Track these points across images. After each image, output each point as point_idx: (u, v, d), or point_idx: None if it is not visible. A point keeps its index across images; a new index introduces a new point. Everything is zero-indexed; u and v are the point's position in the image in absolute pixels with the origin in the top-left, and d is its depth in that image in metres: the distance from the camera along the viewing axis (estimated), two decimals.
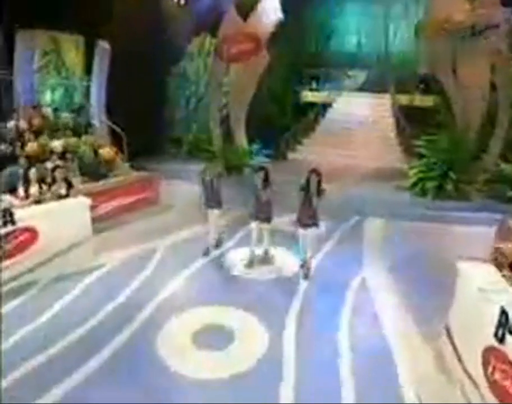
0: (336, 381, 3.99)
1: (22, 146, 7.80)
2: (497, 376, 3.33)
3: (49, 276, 5.86)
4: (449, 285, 4.42)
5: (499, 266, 4.28)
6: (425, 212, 8.66)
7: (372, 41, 16.07)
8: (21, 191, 6.28)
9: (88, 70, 11.32)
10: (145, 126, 11.93)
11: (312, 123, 15.16)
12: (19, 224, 5.92)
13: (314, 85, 16.01)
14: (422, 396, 3.80)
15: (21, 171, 6.61)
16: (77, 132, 9.54)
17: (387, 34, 15.31)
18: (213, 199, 6.60)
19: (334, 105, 15.58)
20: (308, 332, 4.75)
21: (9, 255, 5.78)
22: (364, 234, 7.94)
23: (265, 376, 4.04)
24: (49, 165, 7.66)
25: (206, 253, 6.70)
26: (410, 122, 12.73)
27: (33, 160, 7.58)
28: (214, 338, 4.64)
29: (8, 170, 6.79)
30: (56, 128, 9.31)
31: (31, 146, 7.64)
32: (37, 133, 8.74)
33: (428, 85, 13.37)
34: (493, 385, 3.39)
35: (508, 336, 3.23)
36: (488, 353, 3.48)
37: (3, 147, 7.29)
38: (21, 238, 6.00)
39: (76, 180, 7.80)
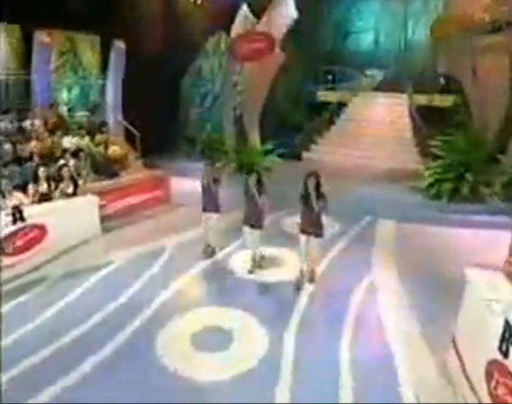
0: (335, 385, 3.92)
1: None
2: (500, 391, 3.18)
3: (56, 274, 5.96)
4: (460, 293, 4.27)
5: (510, 277, 4.09)
6: (439, 215, 8.42)
7: (390, 39, 15.76)
8: (30, 189, 6.40)
9: (104, 69, 11.49)
10: (160, 124, 12.04)
11: (327, 122, 14.96)
12: (29, 221, 6.03)
13: (330, 84, 15.80)
14: None
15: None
16: (91, 131, 9.70)
17: (405, 32, 14.97)
18: (209, 203, 6.45)
19: (350, 104, 15.34)
20: (309, 336, 4.67)
21: (19, 251, 5.90)
22: (374, 236, 7.76)
23: (263, 377, 4.00)
24: (62, 163, 7.83)
25: (209, 255, 6.65)
26: (428, 122, 12.39)
27: (46, 158, 7.77)
28: (214, 339, 4.61)
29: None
30: (70, 127, 9.49)
31: (37, 145, 7.76)
32: (51, 132, 8.95)
33: (447, 84, 13.01)
34: (495, 399, 3.24)
35: None
36: (492, 366, 3.32)
37: (7, 147, 7.42)
38: (30, 235, 6.12)
39: (87, 179, 7.94)
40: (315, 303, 5.38)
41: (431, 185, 9.34)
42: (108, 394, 3.76)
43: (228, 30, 12.47)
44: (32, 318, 4.85)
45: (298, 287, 5.65)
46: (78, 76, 11.04)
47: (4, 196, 6.17)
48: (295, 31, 11.59)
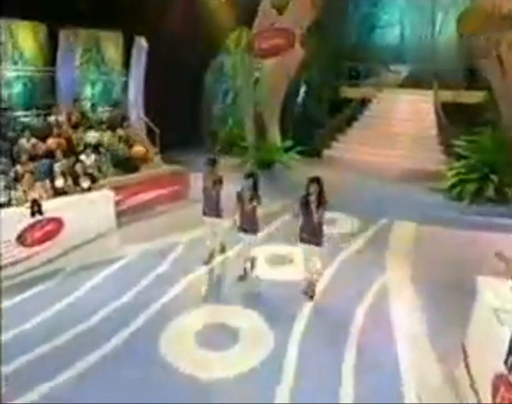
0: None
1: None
2: None
3: (69, 267, 6.09)
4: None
5: None
6: (460, 217, 8.13)
7: (416, 34, 15.23)
8: (47, 184, 6.60)
9: (126, 66, 11.67)
10: (182, 120, 12.16)
11: (349, 119, 14.59)
12: (46, 215, 6.22)
13: (353, 80, 15.44)
14: None
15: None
16: (112, 126, 9.89)
17: (432, 26, 14.44)
18: (209, 207, 6.02)
19: (374, 101, 14.89)
20: (316, 338, 4.62)
21: (36, 243, 6.11)
22: (391, 237, 7.56)
23: (265, 378, 4.00)
24: (83, 157, 8.03)
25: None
26: (454, 120, 11.92)
27: (68, 153, 7.97)
28: (218, 337, 4.62)
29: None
30: (92, 122, 9.72)
31: (60, 140, 7.96)
32: (74, 127, 9.19)
33: (476, 80, 12.47)
34: None
35: None
36: (499, 380, 3.17)
37: (32, 141, 7.65)
38: (48, 227, 6.31)
39: (107, 174, 8.11)
40: (323, 302, 5.33)
41: (454, 186, 9.03)
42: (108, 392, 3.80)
43: (251, 26, 12.42)
44: (40, 312, 4.91)
45: (306, 292, 5.49)
46: (101, 72, 11.25)
47: (24, 191, 6.38)
48: (318, 25, 11.39)
